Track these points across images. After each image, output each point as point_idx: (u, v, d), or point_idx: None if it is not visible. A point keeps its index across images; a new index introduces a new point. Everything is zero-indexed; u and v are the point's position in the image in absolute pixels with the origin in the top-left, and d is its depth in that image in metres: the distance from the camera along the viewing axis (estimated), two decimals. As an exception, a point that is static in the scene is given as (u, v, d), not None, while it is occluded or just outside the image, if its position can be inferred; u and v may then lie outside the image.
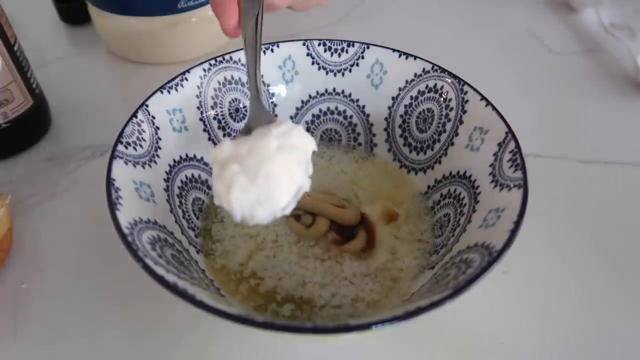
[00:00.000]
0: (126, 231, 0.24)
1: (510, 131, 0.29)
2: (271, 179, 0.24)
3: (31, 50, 0.40)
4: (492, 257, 0.23)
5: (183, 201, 0.32)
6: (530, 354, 0.29)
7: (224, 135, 0.36)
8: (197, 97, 0.34)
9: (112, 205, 0.25)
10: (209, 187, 0.35)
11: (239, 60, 0.35)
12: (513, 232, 0.24)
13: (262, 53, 0.35)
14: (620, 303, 0.32)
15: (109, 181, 0.26)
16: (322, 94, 0.38)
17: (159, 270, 0.22)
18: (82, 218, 0.36)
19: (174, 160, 0.32)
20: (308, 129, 0.39)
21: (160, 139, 0.31)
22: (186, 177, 0.33)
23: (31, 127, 0.40)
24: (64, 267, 0.33)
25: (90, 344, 0.29)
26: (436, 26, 0.57)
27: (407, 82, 0.35)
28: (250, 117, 0.29)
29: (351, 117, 0.38)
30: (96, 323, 0.30)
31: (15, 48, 0.36)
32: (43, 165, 0.40)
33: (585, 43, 0.55)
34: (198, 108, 0.34)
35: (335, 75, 0.37)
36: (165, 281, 0.22)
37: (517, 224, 0.24)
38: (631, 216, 0.37)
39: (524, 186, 0.26)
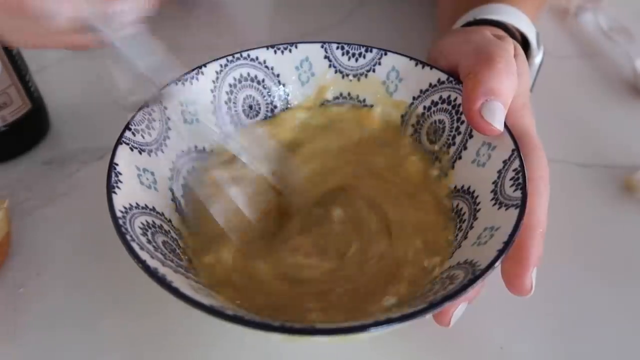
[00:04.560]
0: (119, 214, 0.25)
1: (516, 148, 0.28)
2: None
3: (30, 53, 0.40)
4: (475, 275, 0.22)
5: (187, 191, 0.33)
6: (530, 359, 0.29)
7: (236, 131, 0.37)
8: (212, 91, 0.35)
9: (110, 188, 0.26)
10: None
11: (257, 58, 0.36)
12: (500, 252, 0.23)
13: (280, 52, 0.36)
14: (621, 306, 0.31)
15: (111, 165, 0.27)
16: (337, 98, 0.38)
17: (143, 255, 0.23)
18: (80, 222, 0.36)
19: (182, 151, 0.33)
20: (321, 131, 0.39)
21: (170, 129, 0.32)
22: (193, 168, 0.34)
23: (29, 130, 0.41)
24: (61, 271, 0.33)
25: (89, 348, 0.30)
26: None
27: (421, 91, 0.35)
28: None
29: (364, 122, 0.38)
30: (94, 328, 0.31)
31: (14, 51, 0.37)
32: (41, 168, 0.40)
33: (583, 47, 0.54)
34: (212, 102, 0.35)
35: (350, 79, 0.37)
36: (146, 265, 0.22)
37: (507, 244, 0.23)
38: (630, 219, 0.36)
39: (521, 207, 0.25)
